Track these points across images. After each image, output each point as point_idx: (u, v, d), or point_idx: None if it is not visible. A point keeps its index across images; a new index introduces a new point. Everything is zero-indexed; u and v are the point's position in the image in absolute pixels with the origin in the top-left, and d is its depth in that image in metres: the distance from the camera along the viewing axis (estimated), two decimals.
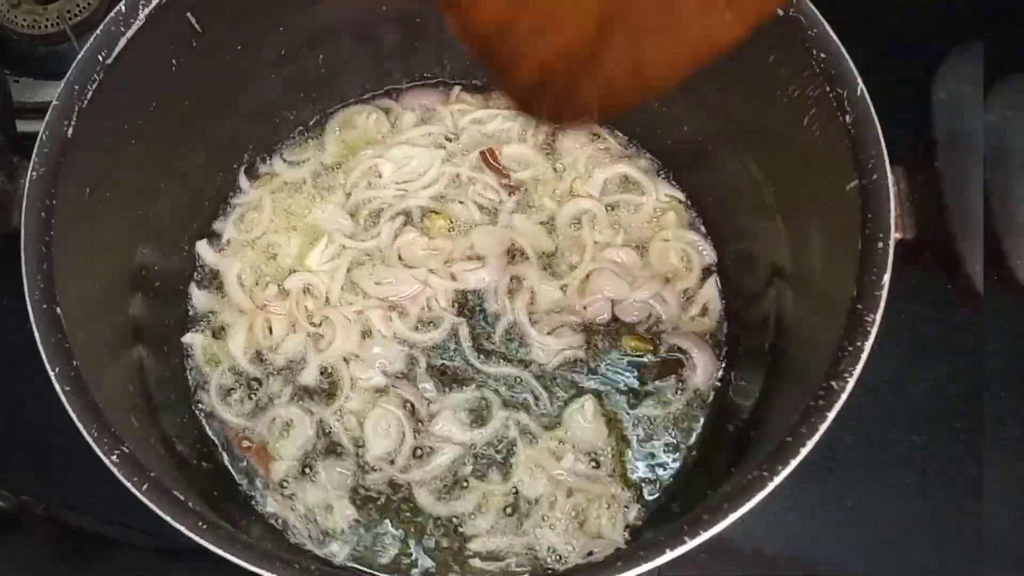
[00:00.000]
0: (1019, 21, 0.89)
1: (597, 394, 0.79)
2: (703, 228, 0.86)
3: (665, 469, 0.78)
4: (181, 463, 0.70)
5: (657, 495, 0.77)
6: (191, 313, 0.83)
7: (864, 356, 0.56)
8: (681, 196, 0.87)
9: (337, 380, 0.80)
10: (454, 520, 0.76)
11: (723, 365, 0.81)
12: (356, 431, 0.79)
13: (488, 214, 0.86)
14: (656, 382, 0.80)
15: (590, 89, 0.47)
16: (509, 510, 0.76)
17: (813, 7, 0.61)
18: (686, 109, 0.80)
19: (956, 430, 0.86)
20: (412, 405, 0.79)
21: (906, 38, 0.93)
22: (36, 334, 0.57)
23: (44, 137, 0.60)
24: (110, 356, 0.66)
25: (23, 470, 0.85)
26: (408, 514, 0.77)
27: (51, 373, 0.56)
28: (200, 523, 0.54)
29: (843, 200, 0.60)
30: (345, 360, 0.80)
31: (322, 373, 0.81)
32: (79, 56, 0.62)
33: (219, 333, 0.83)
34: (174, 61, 0.68)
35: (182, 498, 0.55)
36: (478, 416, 0.79)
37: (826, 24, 0.61)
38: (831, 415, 0.55)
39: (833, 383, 0.56)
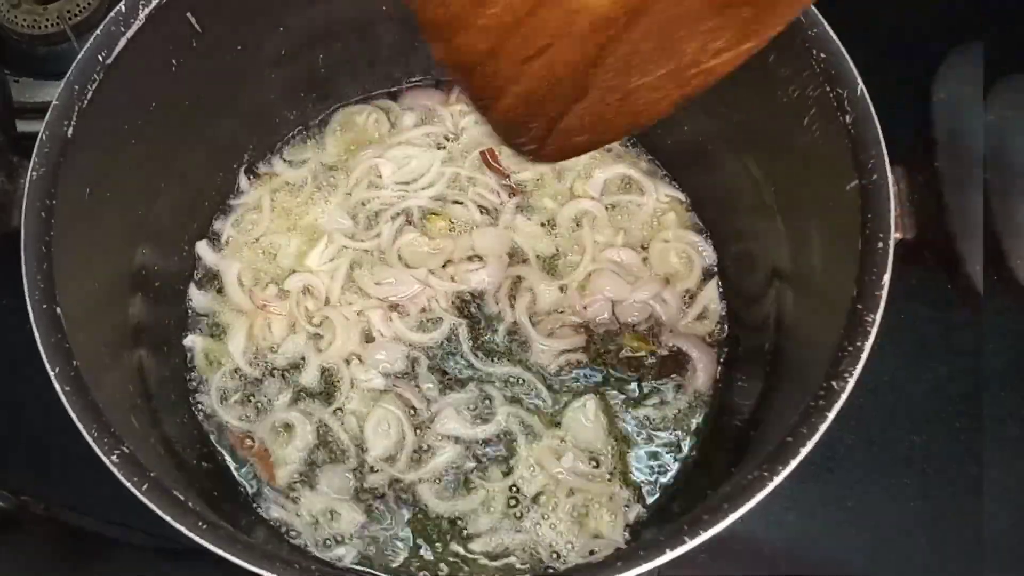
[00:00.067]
0: (1019, 21, 0.89)
1: (598, 394, 0.79)
2: (703, 228, 0.86)
3: (665, 469, 0.78)
4: (181, 463, 0.70)
5: (657, 495, 0.77)
6: (191, 313, 0.83)
7: (864, 356, 0.56)
8: (681, 196, 0.87)
9: (337, 381, 0.80)
10: (457, 519, 0.76)
11: (723, 365, 0.81)
12: (356, 432, 0.79)
13: (489, 215, 0.86)
14: (656, 382, 0.80)
15: (576, 121, 0.46)
16: (511, 508, 0.76)
17: (813, 7, 0.61)
18: (686, 110, 0.79)
19: (956, 430, 0.86)
20: (412, 405, 0.79)
21: (906, 38, 0.93)
22: (36, 334, 0.57)
23: (44, 137, 0.60)
24: (110, 356, 0.66)
25: (23, 470, 0.85)
26: (412, 514, 0.76)
27: (51, 373, 0.56)
28: (200, 523, 0.54)
29: (843, 200, 0.60)
30: (345, 361, 0.80)
31: (322, 374, 0.81)
32: (79, 56, 0.62)
33: (219, 334, 0.83)
34: (174, 61, 0.68)
35: (182, 498, 0.55)
36: (480, 414, 0.79)
37: (826, 24, 0.61)
38: (831, 415, 0.55)
39: (833, 383, 0.56)
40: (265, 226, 0.86)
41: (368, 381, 0.80)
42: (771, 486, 0.54)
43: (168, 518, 0.54)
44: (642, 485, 0.77)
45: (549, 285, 0.82)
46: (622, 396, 0.80)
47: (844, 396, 0.55)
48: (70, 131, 0.61)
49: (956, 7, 0.96)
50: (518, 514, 0.76)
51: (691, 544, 0.53)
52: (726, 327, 0.83)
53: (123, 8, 0.62)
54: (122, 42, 0.62)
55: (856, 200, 0.59)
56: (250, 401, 0.80)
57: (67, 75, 0.61)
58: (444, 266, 0.83)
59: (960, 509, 0.83)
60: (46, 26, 0.91)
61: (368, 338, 0.81)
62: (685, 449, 0.78)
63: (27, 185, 0.59)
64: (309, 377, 0.80)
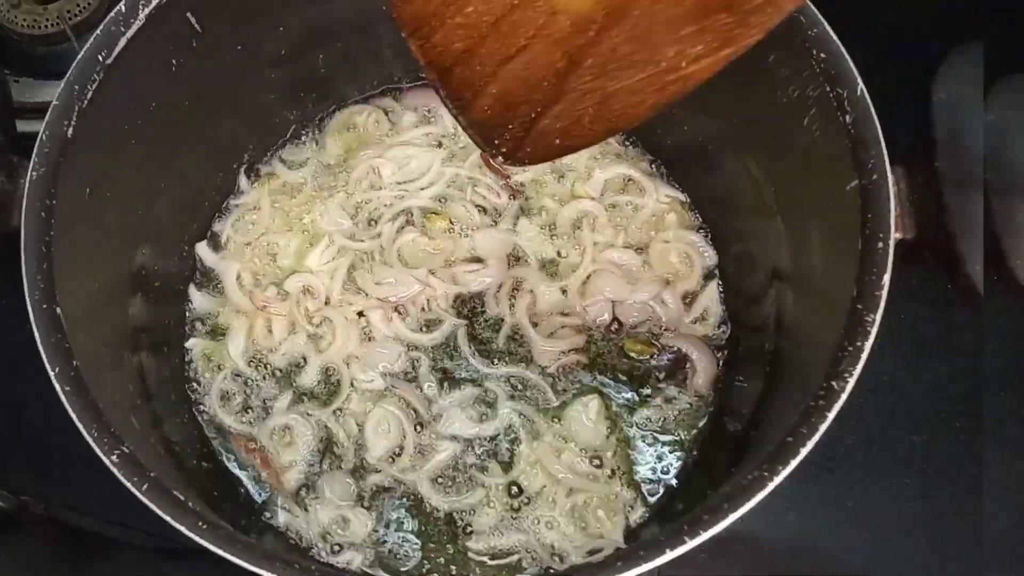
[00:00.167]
0: (1019, 21, 0.89)
1: (601, 394, 0.79)
2: (703, 229, 0.86)
3: (666, 470, 0.78)
4: (181, 463, 0.70)
5: (658, 495, 0.77)
6: (191, 314, 0.83)
7: (864, 356, 0.56)
8: (682, 197, 0.87)
9: (337, 381, 0.80)
10: (457, 517, 0.76)
11: (723, 366, 0.81)
12: (357, 433, 0.79)
13: (489, 215, 0.86)
14: (657, 383, 0.80)
15: (554, 123, 0.46)
16: (511, 508, 0.76)
17: (813, 7, 0.61)
18: (686, 110, 0.80)
19: (956, 430, 0.86)
20: (413, 406, 0.79)
21: (906, 38, 0.93)
22: (36, 334, 0.57)
23: (44, 137, 0.60)
24: (110, 356, 0.67)
25: (23, 470, 0.85)
26: (413, 514, 0.76)
27: (51, 373, 0.56)
28: (200, 523, 0.54)
29: (843, 200, 0.60)
30: (345, 361, 0.80)
31: (322, 374, 0.81)
32: (79, 56, 0.62)
33: (218, 335, 0.83)
34: (174, 61, 0.68)
35: (182, 498, 0.55)
36: (483, 411, 0.79)
37: (826, 24, 0.61)
38: (831, 415, 0.55)
39: (833, 383, 0.56)
40: (265, 227, 0.86)
41: (368, 382, 0.79)
42: (771, 486, 0.54)
43: (168, 518, 0.54)
44: (643, 485, 0.77)
45: (549, 286, 0.82)
46: (623, 397, 0.80)
47: (844, 396, 0.55)
48: (70, 131, 0.61)
49: (956, 7, 0.96)
50: (518, 513, 0.76)
51: (691, 544, 0.53)
52: (726, 328, 0.83)
53: (123, 8, 0.62)
54: (122, 42, 0.62)
55: (856, 200, 0.59)
56: (250, 404, 0.80)
57: (67, 75, 0.62)
58: (444, 266, 0.83)
59: (960, 509, 0.83)
60: (46, 26, 0.91)
61: (368, 338, 0.81)
62: (686, 449, 0.78)
63: (27, 185, 0.59)
64: (309, 378, 0.80)
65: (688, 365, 0.80)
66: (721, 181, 0.81)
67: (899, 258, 0.57)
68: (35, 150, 0.60)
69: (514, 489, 0.77)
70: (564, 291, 0.82)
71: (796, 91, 0.63)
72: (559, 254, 0.84)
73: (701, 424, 0.79)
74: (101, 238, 0.67)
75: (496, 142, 0.49)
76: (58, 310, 0.58)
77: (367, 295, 0.82)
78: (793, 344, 0.71)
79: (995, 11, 0.90)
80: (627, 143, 0.89)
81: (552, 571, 0.74)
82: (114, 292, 0.71)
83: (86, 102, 0.61)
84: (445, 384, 0.80)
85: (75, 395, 0.56)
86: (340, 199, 0.86)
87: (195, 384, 0.81)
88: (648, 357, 0.81)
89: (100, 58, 0.62)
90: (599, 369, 0.81)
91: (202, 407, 0.80)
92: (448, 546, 0.75)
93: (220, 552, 0.53)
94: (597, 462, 0.77)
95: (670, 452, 0.78)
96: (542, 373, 0.80)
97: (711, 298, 0.83)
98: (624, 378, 0.80)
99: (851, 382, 0.55)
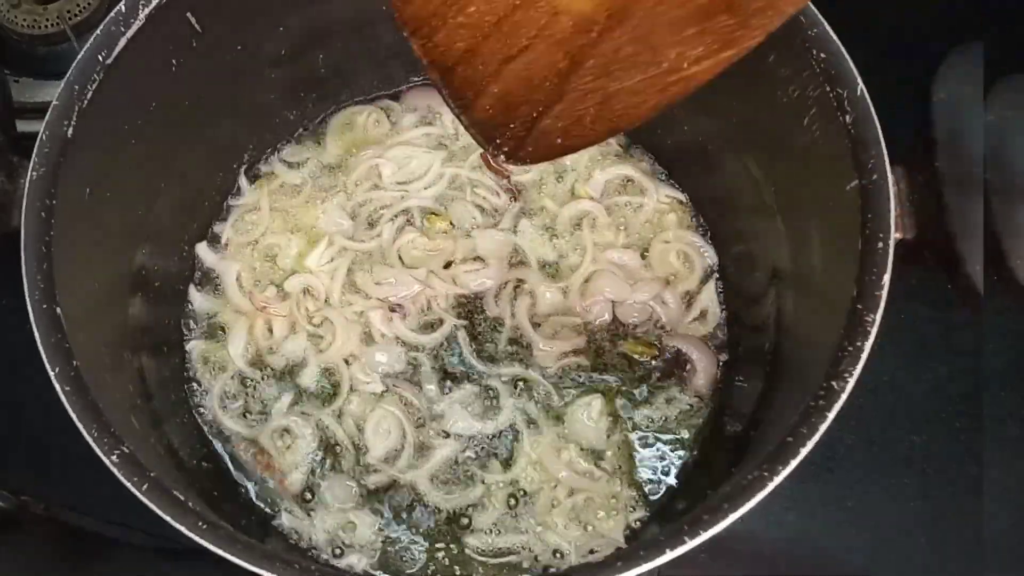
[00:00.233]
0: (1019, 21, 0.89)
1: (604, 393, 0.79)
2: (703, 229, 0.86)
3: (666, 470, 0.78)
4: (181, 463, 0.70)
5: (658, 495, 0.77)
6: (191, 315, 0.83)
7: (864, 356, 0.56)
8: (682, 197, 0.87)
9: (337, 382, 0.80)
10: (459, 514, 0.76)
11: (723, 366, 0.81)
12: (357, 433, 0.78)
13: (489, 216, 0.86)
14: (657, 384, 0.80)
15: (555, 123, 0.46)
16: (512, 505, 0.76)
17: (813, 7, 0.61)
18: (686, 110, 0.80)
19: (956, 430, 0.86)
20: (413, 406, 0.79)
21: (906, 38, 0.93)
22: (36, 334, 0.57)
23: (44, 137, 0.60)
24: (110, 356, 0.67)
25: (23, 470, 0.85)
26: (415, 513, 0.76)
27: (51, 373, 0.56)
28: (200, 523, 0.54)
29: (843, 200, 0.60)
30: (346, 361, 0.80)
31: (322, 375, 0.80)
32: (79, 56, 0.62)
33: (219, 336, 0.83)
34: (174, 61, 0.68)
35: (182, 498, 0.55)
36: (486, 409, 0.79)
37: (826, 24, 0.61)
38: (831, 415, 0.55)
39: (833, 383, 0.56)
40: (264, 227, 0.85)
41: (368, 383, 0.79)
42: (771, 486, 0.54)
43: (168, 518, 0.54)
44: (643, 485, 0.77)
45: (550, 287, 0.82)
46: (624, 397, 0.80)
47: (844, 396, 0.55)
48: (70, 131, 0.61)
49: (956, 7, 0.96)
50: (518, 512, 0.76)
51: (691, 544, 0.53)
52: (726, 328, 0.83)
53: (123, 8, 0.62)
54: (122, 42, 0.62)
55: (856, 200, 0.59)
56: (251, 407, 0.80)
57: (67, 75, 0.62)
58: (445, 267, 0.83)
59: (960, 509, 0.83)
60: (46, 26, 0.91)
61: (368, 339, 0.81)
62: (686, 449, 0.78)
63: (27, 185, 0.59)
64: (309, 378, 0.80)
65: (688, 365, 0.80)
66: (721, 181, 0.81)
67: (899, 258, 0.57)
68: (35, 150, 0.60)
69: (514, 487, 0.77)
70: (564, 292, 0.82)
71: (796, 91, 0.63)
72: (559, 255, 0.84)
73: (701, 424, 0.79)
74: (101, 238, 0.67)
75: (498, 141, 0.49)
76: (58, 310, 0.58)
77: (367, 295, 0.82)
78: (793, 344, 0.71)
79: (995, 11, 0.90)
80: (627, 144, 0.89)
81: (552, 571, 0.74)
82: (114, 292, 0.71)
83: (86, 102, 0.61)
84: (446, 384, 0.80)
85: (75, 395, 0.56)
86: (340, 199, 0.86)
87: (195, 385, 0.81)
88: (648, 357, 0.81)
89: (100, 58, 0.62)
90: (600, 369, 0.80)
91: (202, 409, 0.80)
92: (452, 546, 0.75)
93: (220, 552, 0.53)
94: (598, 462, 0.77)
95: (670, 452, 0.78)
96: (543, 374, 0.80)
97: (711, 298, 0.83)
98: (624, 378, 0.80)
99: (851, 382, 0.55)
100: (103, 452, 0.55)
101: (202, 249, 0.85)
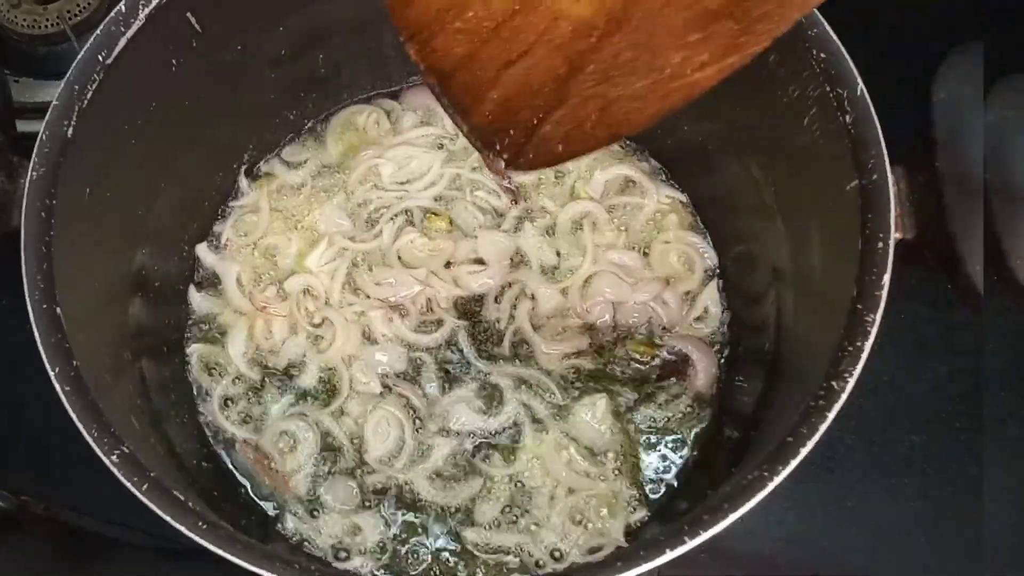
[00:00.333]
0: (1019, 21, 0.89)
1: (609, 393, 0.79)
2: (704, 229, 0.86)
3: (667, 470, 0.78)
4: (181, 463, 0.70)
5: (659, 495, 0.77)
6: (190, 315, 0.83)
7: (864, 356, 0.56)
8: (682, 197, 0.87)
9: (337, 383, 0.80)
10: (459, 509, 0.76)
11: (724, 366, 0.81)
12: (356, 434, 0.78)
13: (490, 217, 0.86)
14: (658, 384, 0.80)
15: (555, 129, 0.45)
16: (511, 502, 0.76)
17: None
18: (686, 111, 0.79)
19: (956, 430, 0.86)
20: (413, 406, 0.79)
21: (906, 38, 0.93)
22: (36, 334, 0.57)
23: (44, 137, 0.60)
24: (110, 356, 0.66)
25: (23, 470, 0.85)
26: (417, 513, 0.76)
27: (51, 373, 0.56)
28: (200, 523, 0.54)
29: (843, 200, 0.60)
30: (345, 362, 0.80)
31: (322, 375, 0.80)
32: (79, 56, 0.62)
33: (218, 337, 0.83)
34: (174, 61, 0.68)
35: (182, 498, 0.55)
36: (490, 405, 0.79)
37: (826, 24, 0.61)
38: (831, 415, 0.55)
39: (833, 383, 0.56)
40: (264, 227, 0.85)
41: (368, 383, 0.79)
42: (771, 486, 0.54)
43: (168, 518, 0.54)
44: (644, 485, 0.77)
45: (550, 288, 0.82)
46: (625, 397, 0.79)
47: (844, 396, 0.55)
48: (70, 131, 0.61)
49: (956, 7, 0.96)
50: (519, 509, 0.76)
51: (691, 544, 0.53)
52: (726, 328, 0.83)
53: (123, 8, 0.63)
54: (122, 42, 0.62)
55: (856, 200, 0.59)
56: (252, 411, 0.80)
57: (67, 75, 0.62)
58: (445, 267, 0.83)
59: (960, 509, 0.83)
60: (46, 26, 0.91)
61: (369, 339, 0.81)
62: (686, 450, 0.78)
63: (27, 185, 0.59)
64: (309, 379, 0.80)
65: (689, 365, 0.80)
66: (721, 182, 0.81)
67: (899, 258, 0.58)
68: (35, 150, 0.60)
69: (516, 483, 0.77)
70: (565, 293, 0.82)
71: (796, 91, 0.63)
72: (560, 256, 0.84)
73: (702, 424, 0.79)
74: (101, 238, 0.67)
75: (498, 147, 0.48)
76: (58, 310, 0.58)
77: (367, 296, 0.82)
78: (793, 344, 0.71)
79: (995, 11, 0.90)
80: (627, 144, 0.89)
81: (552, 571, 0.74)
82: (114, 292, 0.71)
83: (86, 102, 0.61)
84: (447, 383, 0.80)
85: (75, 395, 0.56)
86: (340, 200, 0.86)
87: (196, 388, 0.81)
88: (649, 357, 0.81)
89: (100, 58, 0.62)
90: (601, 369, 0.80)
91: (203, 412, 0.80)
92: (455, 545, 0.75)
93: (220, 552, 0.53)
94: (599, 461, 0.77)
95: (671, 452, 0.78)
96: (547, 375, 0.80)
97: (711, 298, 0.83)
98: (625, 378, 0.80)
99: (851, 382, 0.55)
100: (103, 452, 0.55)
101: (202, 249, 0.84)
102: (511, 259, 0.84)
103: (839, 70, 0.60)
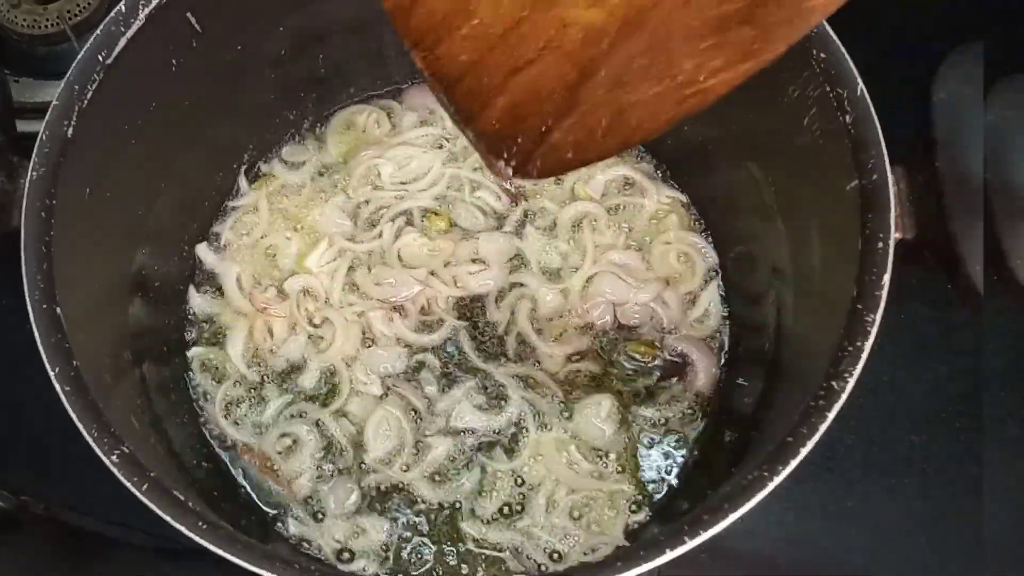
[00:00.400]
0: (1020, 21, 0.89)
1: (615, 393, 0.79)
2: (704, 230, 0.86)
3: (668, 469, 0.78)
4: (181, 463, 0.70)
5: (659, 495, 0.77)
6: (190, 316, 0.83)
7: (864, 356, 0.56)
8: (683, 198, 0.87)
9: (337, 383, 0.80)
10: (460, 505, 0.76)
11: (724, 366, 0.81)
12: (356, 434, 0.78)
13: (491, 218, 0.86)
14: (659, 384, 0.80)
15: (565, 137, 0.44)
16: (513, 499, 0.76)
17: None
18: None
19: (956, 430, 0.86)
20: (414, 406, 0.79)
21: (907, 38, 0.93)
22: (36, 334, 0.57)
23: (44, 137, 0.60)
24: (110, 356, 0.66)
25: (23, 470, 0.85)
26: (419, 513, 0.76)
27: (51, 373, 0.56)
28: (200, 523, 0.54)
29: (843, 200, 0.60)
30: (346, 362, 0.80)
31: (323, 376, 0.80)
32: (79, 56, 0.62)
33: (219, 339, 0.82)
34: (174, 61, 0.68)
35: (182, 498, 0.55)
36: (493, 402, 0.79)
37: (826, 24, 0.61)
38: (831, 415, 0.55)
39: (833, 383, 0.56)
40: (263, 228, 0.85)
41: (369, 383, 0.79)
42: (771, 486, 0.54)
43: (168, 518, 0.54)
44: (644, 484, 0.77)
45: (550, 289, 0.82)
46: (626, 398, 0.79)
47: (844, 396, 0.55)
48: (70, 131, 0.61)
49: (957, 7, 0.96)
50: (519, 508, 0.76)
51: (691, 544, 0.53)
52: (727, 328, 0.83)
53: (123, 8, 0.63)
54: (122, 42, 0.62)
55: (856, 200, 0.59)
56: (253, 413, 0.80)
57: (67, 75, 0.62)
58: (445, 267, 0.83)
59: (960, 509, 0.83)
60: (46, 26, 0.91)
61: (369, 339, 0.81)
62: (687, 450, 0.78)
63: (27, 185, 0.60)
64: (309, 379, 0.80)
65: (689, 366, 0.80)
66: (721, 182, 0.81)
67: (899, 258, 0.57)
68: (35, 150, 0.60)
69: (516, 480, 0.77)
70: (565, 294, 0.82)
71: (796, 91, 0.63)
72: (561, 258, 0.84)
73: (702, 424, 0.79)
74: (101, 238, 0.67)
75: (505, 155, 0.47)
76: (58, 310, 0.58)
77: (367, 296, 0.82)
78: (793, 344, 0.71)
79: (996, 11, 0.90)
80: None
81: (552, 570, 0.74)
82: (114, 292, 0.71)
83: (86, 102, 0.61)
84: (448, 383, 0.80)
85: (75, 395, 0.56)
86: (340, 200, 0.86)
87: (196, 390, 0.81)
88: (650, 357, 0.81)
89: (100, 58, 0.62)
90: (603, 371, 0.80)
91: (204, 415, 0.80)
92: (459, 545, 0.75)
93: (220, 552, 0.53)
94: (601, 460, 0.77)
95: (671, 452, 0.78)
96: (549, 374, 0.80)
97: (712, 299, 0.83)
98: (627, 379, 0.80)
99: (851, 382, 0.55)
100: (103, 452, 0.55)
101: (202, 250, 0.84)
102: (511, 260, 0.84)
103: (839, 70, 0.60)
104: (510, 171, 0.47)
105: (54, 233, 0.59)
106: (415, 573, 0.75)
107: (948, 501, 0.84)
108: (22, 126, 0.76)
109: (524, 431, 0.78)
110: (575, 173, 0.87)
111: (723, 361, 0.81)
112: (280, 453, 0.78)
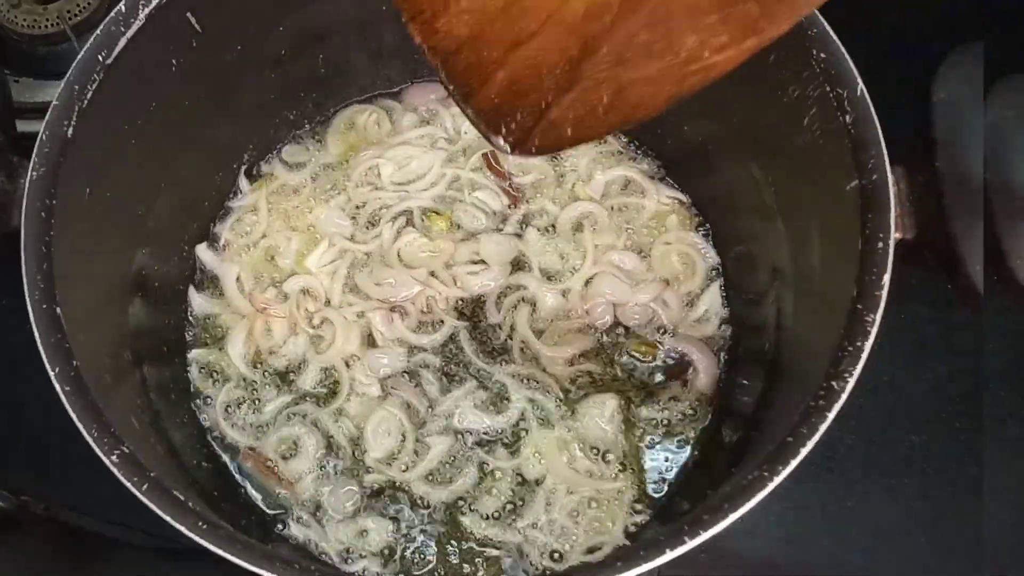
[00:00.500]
0: (1019, 21, 0.89)
1: (619, 393, 0.79)
2: (704, 230, 0.86)
3: (668, 469, 0.78)
4: (181, 463, 0.70)
5: (659, 495, 0.77)
6: (190, 316, 0.83)
7: (864, 356, 0.56)
8: (683, 198, 0.87)
9: (337, 383, 0.80)
10: (460, 503, 0.76)
11: (724, 366, 0.81)
12: (357, 435, 0.78)
13: (491, 219, 0.86)
14: (659, 385, 0.80)
15: (565, 113, 0.44)
16: (513, 498, 0.76)
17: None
18: (687, 110, 0.80)
19: (956, 430, 0.86)
20: (414, 406, 0.79)
21: (907, 38, 0.93)
22: (36, 334, 0.57)
23: (44, 137, 0.60)
24: (110, 356, 0.66)
25: (23, 470, 0.85)
26: (420, 512, 0.76)
27: (51, 373, 0.56)
28: (200, 523, 0.54)
29: (843, 200, 0.60)
30: (345, 363, 0.80)
31: (322, 376, 0.80)
32: (79, 56, 0.62)
33: (218, 338, 0.82)
34: (174, 61, 0.68)
35: (182, 498, 0.55)
36: (494, 403, 0.79)
37: (826, 24, 0.61)
38: (831, 415, 0.55)
39: (833, 383, 0.56)
40: (263, 229, 0.85)
41: (369, 384, 0.79)
42: (771, 486, 0.54)
43: (168, 518, 0.54)
44: (647, 485, 0.77)
45: (551, 290, 0.82)
46: (627, 398, 0.79)
47: (844, 396, 0.55)
48: (70, 131, 0.61)
49: (957, 7, 0.96)
50: (519, 507, 0.76)
51: (691, 544, 0.53)
52: (727, 328, 0.83)
53: (123, 8, 0.63)
54: (122, 42, 0.62)
55: (856, 200, 0.59)
56: (253, 415, 0.80)
57: (67, 75, 0.62)
58: (446, 267, 0.83)
59: (960, 509, 0.83)
60: (46, 26, 0.91)
61: (368, 339, 0.81)
62: (687, 450, 0.78)
63: (27, 185, 0.60)
64: (309, 380, 0.80)
65: (690, 366, 0.80)
66: (722, 182, 0.81)
67: (899, 258, 0.57)
68: (35, 150, 0.60)
69: (517, 478, 0.77)
70: (565, 294, 0.82)
71: (796, 91, 0.63)
72: (561, 258, 0.84)
73: (703, 424, 0.79)
74: (101, 238, 0.67)
75: (503, 131, 0.47)
76: (58, 310, 0.58)
77: (367, 296, 0.82)
78: (793, 344, 0.71)
79: (996, 11, 0.90)
80: (628, 145, 0.89)
81: (551, 570, 0.74)
82: (114, 292, 0.71)
83: (86, 102, 0.61)
84: (448, 384, 0.80)
85: (75, 395, 0.56)
86: (340, 200, 0.86)
87: (197, 392, 0.81)
88: (650, 358, 0.81)
89: (100, 58, 0.62)
90: (604, 371, 0.80)
91: (204, 417, 0.80)
92: (461, 544, 0.75)
93: (220, 552, 0.53)
94: (602, 460, 0.77)
95: (672, 452, 0.78)
96: (550, 375, 0.80)
97: (712, 299, 0.83)
98: (627, 379, 0.80)
99: (851, 382, 0.55)
100: (103, 452, 0.55)
101: (202, 250, 0.84)
102: (512, 262, 0.84)
103: (839, 70, 0.60)
104: (507, 147, 0.47)
105: (54, 233, 0.59)
106: (417, 573, 0.74)
107: (948, 501, 0.84)
108: (22, 126, 0.76)
109: (527, 431, 0.78)
110: (576, 173, 0.87)
111: (723, 361, 0.81)
112: (281, 454, 0.78)
